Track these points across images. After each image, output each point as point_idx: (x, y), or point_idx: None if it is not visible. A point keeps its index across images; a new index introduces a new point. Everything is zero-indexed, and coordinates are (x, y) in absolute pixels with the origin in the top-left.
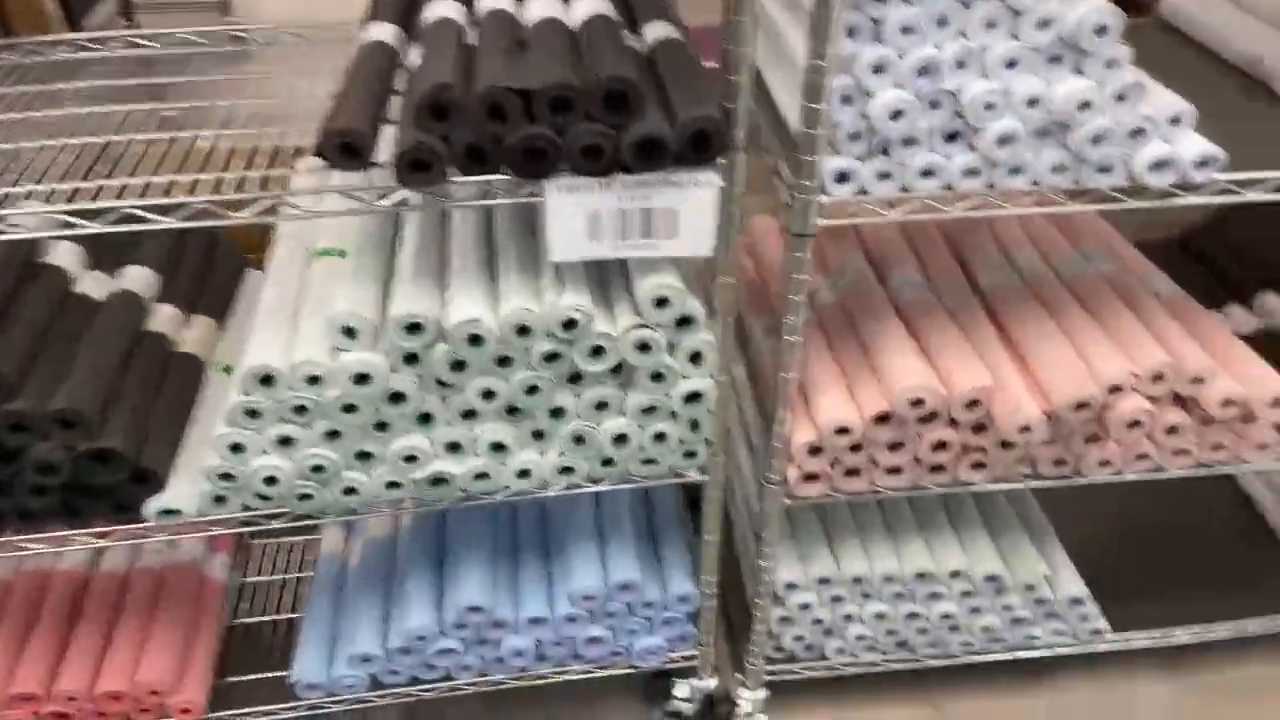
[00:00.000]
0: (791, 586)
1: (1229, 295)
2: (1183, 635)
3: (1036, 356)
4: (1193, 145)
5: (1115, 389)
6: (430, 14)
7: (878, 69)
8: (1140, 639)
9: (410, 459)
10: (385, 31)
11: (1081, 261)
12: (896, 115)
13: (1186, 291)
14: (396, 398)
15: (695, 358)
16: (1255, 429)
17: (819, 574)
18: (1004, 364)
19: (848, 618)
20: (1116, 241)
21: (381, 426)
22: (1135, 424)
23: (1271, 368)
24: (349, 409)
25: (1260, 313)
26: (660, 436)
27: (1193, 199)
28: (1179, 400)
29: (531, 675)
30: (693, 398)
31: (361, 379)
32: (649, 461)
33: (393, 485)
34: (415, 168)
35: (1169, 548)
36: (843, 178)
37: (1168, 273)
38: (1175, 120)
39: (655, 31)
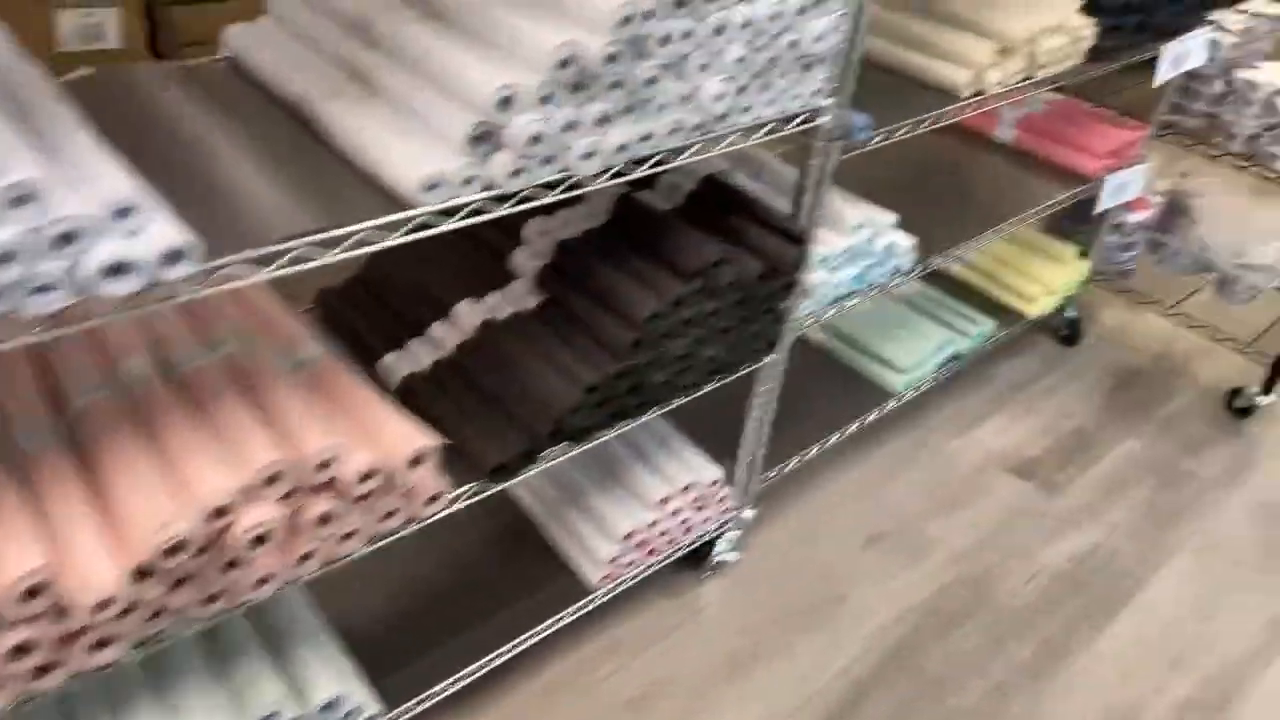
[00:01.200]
0: None
1: (408, 330)
2: (448, 686)
3: (123, 498)
4: (157, 239)
5: (221, 511)
6: None
7: None
8: (412, 711)
9: None
10: None
11: (206, 352)
12: None
13: (371, 334)
14: None
15: None
16: (419, 487)
17: None
18: (79, 521)
19: None
20: (265, 310)
21: None
22: (259, 540)
23: (413, 421)
24: None
25: (432, 342)
26: None
27: (198, 292)
28: (326, 486)
29: None
30: None
31: None
32: None
33: None
34: None
35: (460, 586)
36: None
37: (354, 316)
38: (123, 212)
39: None
